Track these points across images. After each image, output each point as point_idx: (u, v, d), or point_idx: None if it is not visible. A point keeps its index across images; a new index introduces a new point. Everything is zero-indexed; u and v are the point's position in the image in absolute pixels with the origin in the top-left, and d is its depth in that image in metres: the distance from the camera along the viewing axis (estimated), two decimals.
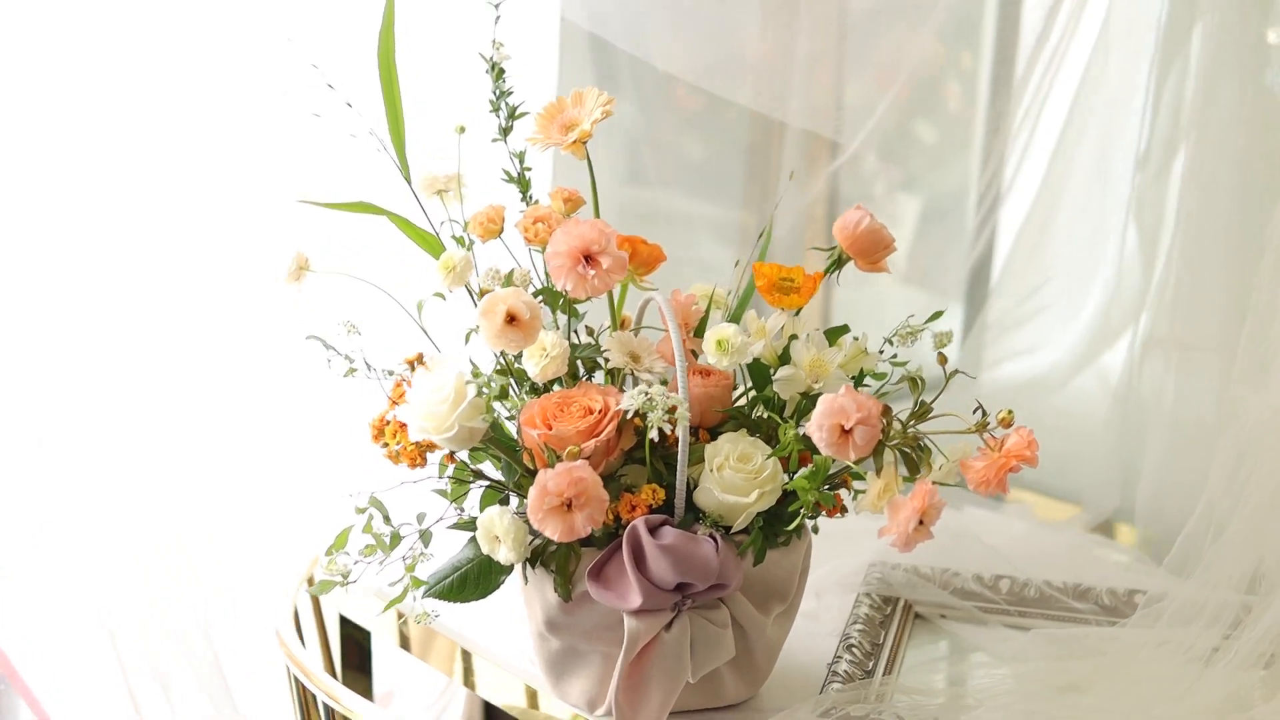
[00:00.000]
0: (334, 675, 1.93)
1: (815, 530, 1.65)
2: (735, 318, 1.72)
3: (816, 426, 1.44)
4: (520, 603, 1.64)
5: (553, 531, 1.45)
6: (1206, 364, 2.08)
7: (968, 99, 2.78)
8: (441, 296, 1.63)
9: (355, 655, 2.02)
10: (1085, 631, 1.77)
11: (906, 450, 1.49)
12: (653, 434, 1.45)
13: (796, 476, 1.49)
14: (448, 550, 1.60)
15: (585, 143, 1.58)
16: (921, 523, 1.44)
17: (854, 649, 1.71)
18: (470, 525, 1.58)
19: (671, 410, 1.46)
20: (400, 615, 1.77)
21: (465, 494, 1.60)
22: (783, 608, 1.62)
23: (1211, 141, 2.13)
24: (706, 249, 2.66)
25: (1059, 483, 2.36)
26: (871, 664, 1.70)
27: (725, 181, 2.69)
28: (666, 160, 2.59)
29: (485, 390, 1.47)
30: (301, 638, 1.84)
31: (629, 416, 1.50)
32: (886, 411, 1.48)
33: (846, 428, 1.43)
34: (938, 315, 1.68)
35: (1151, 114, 2.24)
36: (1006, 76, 2.57)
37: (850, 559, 1.91)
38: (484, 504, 1.61)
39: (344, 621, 1.96)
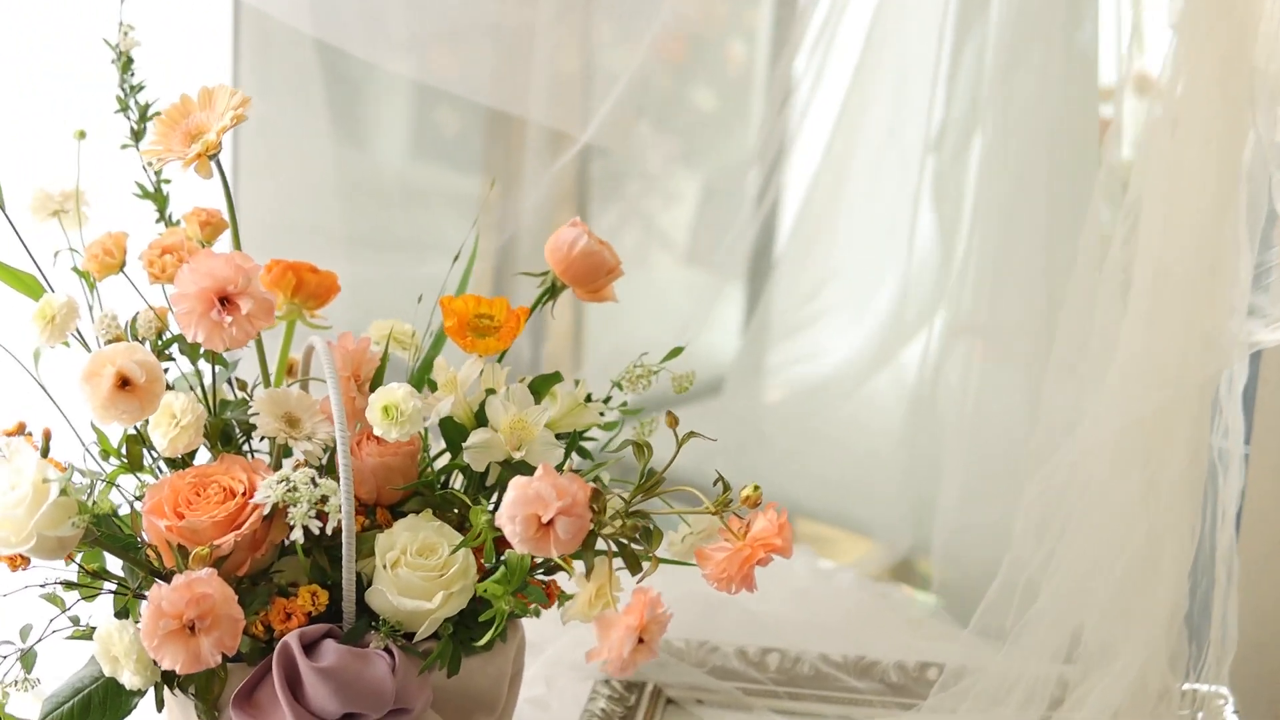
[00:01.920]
0: None
1: (536, 614, 1.34)
2: (426, 364, 1.40)
3: (508, 519, 1.13)
4: None
5: (173, 661, 1.13)
6: (1011, 376, 1.80)
7: (750, 61, 2.47)
8: (67, 344, 1.30)
9: None
10: None
11: (625, 542, 1.18)
12: (296, 534, 1.13)
13: (488, 579, 1.18)
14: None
15: (213, 156, 1.24)
16: (642, 640, 1.14)
17: None
18: (90, 635, 1.26)
19: (322, 501, 1.14)
20: None
21: (94, 597, 1.28)
22: None
23: (1017, 113, 1.84)
24: (448, 228, 2.34)
25: (850, 512, 2.06)
26: None
27: (464, 146, 2.35)
28: (395, 123, 2.27)
29: (75, 488, 1.13)
30: None
31: (266, 512, 1.18)
32: (597, 496, 1.17)
33: (545, 520, 1.12)
34: (677, 352, 1.39)
35: (947, 86, 1.94)
36: (787, 37, 2.25)
37: (586, 632, 1.57)
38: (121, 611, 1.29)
39: None
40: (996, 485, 1.77)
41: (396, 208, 2.22)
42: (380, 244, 2.15)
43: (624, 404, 1.39)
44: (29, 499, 1.11)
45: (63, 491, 1.12)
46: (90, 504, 1.15)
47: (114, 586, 1.25)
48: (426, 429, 1.33)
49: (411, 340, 1.40)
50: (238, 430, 1.34)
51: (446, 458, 1.34)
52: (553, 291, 1.37)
